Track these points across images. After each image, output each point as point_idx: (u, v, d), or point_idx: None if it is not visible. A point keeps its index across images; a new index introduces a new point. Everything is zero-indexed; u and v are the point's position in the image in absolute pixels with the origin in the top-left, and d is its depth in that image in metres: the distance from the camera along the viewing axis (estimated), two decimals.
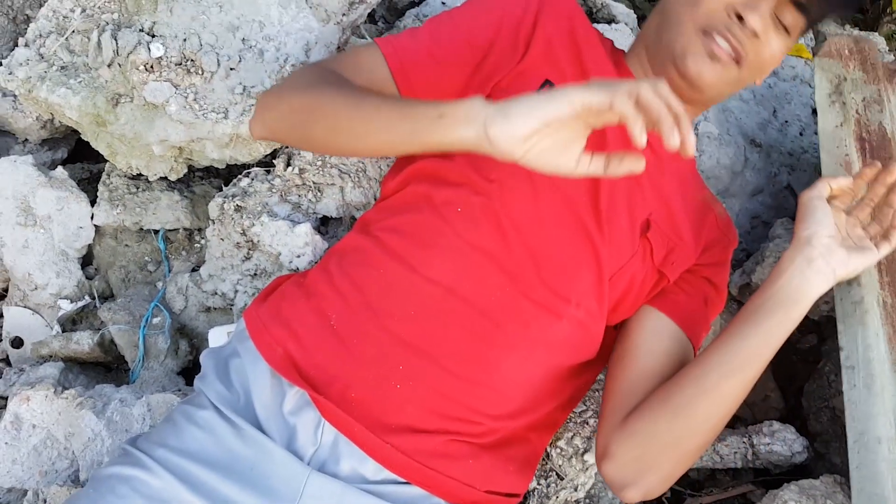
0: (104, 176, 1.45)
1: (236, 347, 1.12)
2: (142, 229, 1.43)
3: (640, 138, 0.81)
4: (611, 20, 1.88)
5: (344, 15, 1.27)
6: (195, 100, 1.26)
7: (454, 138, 0.88)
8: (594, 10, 1.90)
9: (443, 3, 1.55)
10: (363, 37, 1.44)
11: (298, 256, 1.23)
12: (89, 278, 1.51)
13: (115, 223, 1.41)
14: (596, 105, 0.82)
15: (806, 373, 1.50)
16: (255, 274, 1.28)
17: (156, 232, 1.44)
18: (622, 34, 1.65)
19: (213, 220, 1.28)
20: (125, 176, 1.43)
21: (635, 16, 1.91)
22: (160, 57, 1.27)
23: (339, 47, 1.28)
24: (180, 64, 1.27)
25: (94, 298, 1.47)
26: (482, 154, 0.89)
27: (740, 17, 1.09)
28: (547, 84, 1.15)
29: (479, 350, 1.08)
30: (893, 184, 1.10)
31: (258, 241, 1.24)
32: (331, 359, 1.07)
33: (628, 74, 1.21)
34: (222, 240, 1.28)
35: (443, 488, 1.06)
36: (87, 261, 1.53)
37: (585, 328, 1.12)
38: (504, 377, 1.09)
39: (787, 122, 1.70)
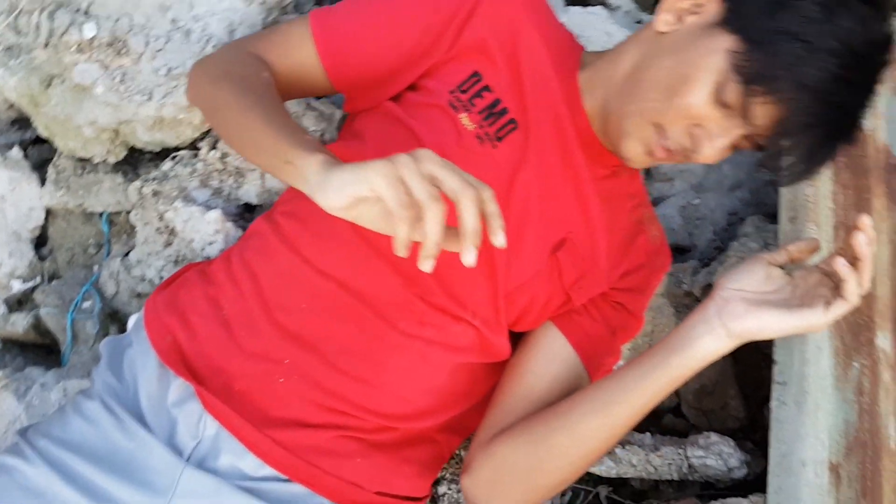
0: (55, 157, 1.44)
1: (132, 337, 1.11)
2: (86, 212, 1.42)
3: (400, 252, 0.79)
4: (601, 1, 1.78)
5: None
6: (122, 81, 1.24)
7: (296, 186, 0.87)
8: None
9: None
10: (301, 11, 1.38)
11: (210, 244, 1.19)
12: (43, 259, 1.52)
13: (59, 205, 1.40)
14: (388, 203, 0.77)
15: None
16: (177, 261, 1.25)
17: (101, 215, 1.43)
18: (598, 17, 1.55)
19: (134, 205, 1.26)
20: (73, 158, 1.42)
21: None
22: (93, 37, 1.26)
23: (263, 28, 1.24)
24: (111, 45, 1.25)
25: (44, 279, 1.48)
26: None
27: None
28: (475, 77, 1.09)
29: (371, 348, 1.03)
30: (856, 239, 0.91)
31: (174, 227, 1.22)
32: (218, 350, 1.05)
33: (574, 93, 1.10)
34: (145, 224, 1.26)
35: (326, 487, 1.02)
36: (43, 241, 1.54)
37: (485, 336, 1.06)
38: (397, 377, 1.04)
39: None
